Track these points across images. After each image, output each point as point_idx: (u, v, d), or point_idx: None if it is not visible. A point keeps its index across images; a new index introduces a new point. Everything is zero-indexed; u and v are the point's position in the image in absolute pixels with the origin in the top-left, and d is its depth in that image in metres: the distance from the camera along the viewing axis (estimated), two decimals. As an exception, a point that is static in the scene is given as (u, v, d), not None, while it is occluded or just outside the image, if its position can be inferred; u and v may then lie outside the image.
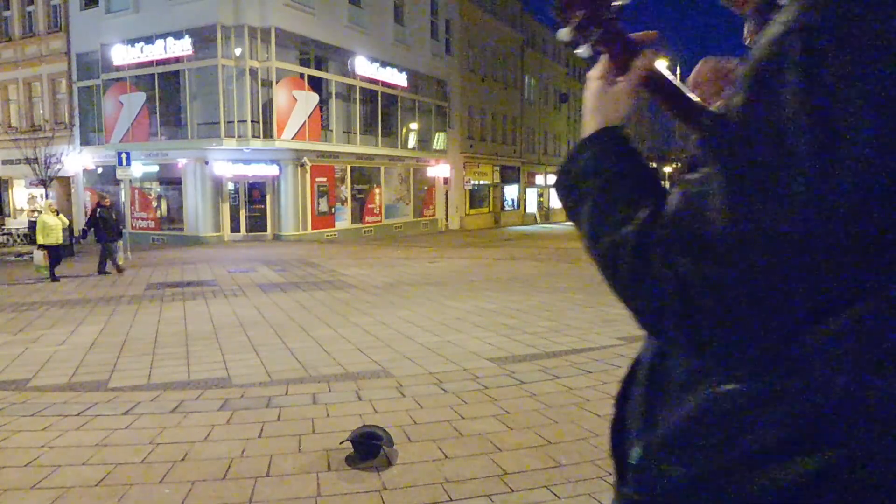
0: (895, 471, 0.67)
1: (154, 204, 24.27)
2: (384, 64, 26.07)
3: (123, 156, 17.57)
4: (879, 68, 0.63)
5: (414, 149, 29.32)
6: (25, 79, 27.08)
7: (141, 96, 22.93)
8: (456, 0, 31.78)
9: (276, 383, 5.32)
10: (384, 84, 26.44)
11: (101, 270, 13.75)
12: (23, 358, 6.39)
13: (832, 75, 0.64)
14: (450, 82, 31.44)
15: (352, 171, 25.35)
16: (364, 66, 24.98)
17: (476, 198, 35.50)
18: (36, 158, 24.27)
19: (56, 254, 13.03)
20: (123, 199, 22.56)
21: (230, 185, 22.47)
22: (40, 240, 12.98)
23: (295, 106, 22.24)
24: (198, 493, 3.30)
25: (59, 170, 25.07)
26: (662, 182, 0.86)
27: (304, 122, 22.52)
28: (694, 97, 0.95)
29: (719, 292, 0.69)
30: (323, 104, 23.82)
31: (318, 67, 23.66)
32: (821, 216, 0.65)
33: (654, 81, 0.90)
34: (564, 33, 0.88)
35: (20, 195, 29.35)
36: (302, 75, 22.63)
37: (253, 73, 21.25)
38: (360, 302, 9.58)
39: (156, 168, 23.23)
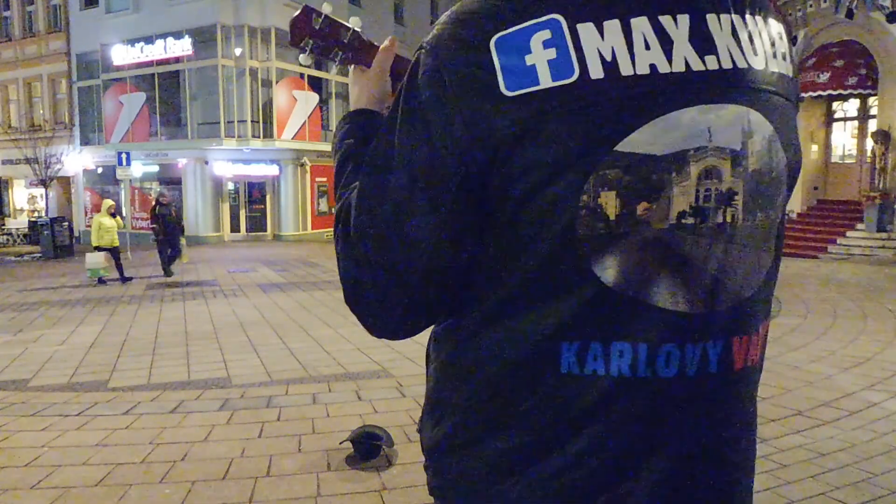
0: (569, 464, 0.73)
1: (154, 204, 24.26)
2: (384, 64, 26.08)
3: (123, 156, 17.57)
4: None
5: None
6: (25, 79, 27.08)
7: (141, 96, 22.93)
8: (456, 0, 31.77)
9: (276, 383, 5.32)
10: (384, 84, 26.44)
11: (167, 272, 13.04)
12: (23, 358, 6.38)
13: (422, 94, 0.73)
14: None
15: (352, 171, 25.34)
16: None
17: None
18: (36, 158, 24.28)
19: (116, 255, 12.52)
20: (123, 200, 22.58)
21: (230, 185, 22.47)
22: (95, 241, 12.38)
23: (295, 106, 22.24)
24: (198, 493, 3.30)
25: (59, 170, 25.07)
26: None
27: (304, 122, 22.53)
28: None
29: (352, 279, 0.81)
30: (323, 104, 23.83)
31: (318, 67, 23.65)
32: (415, 221, 0.73)
33: (401, 70, 1.02)
34: (303, 58, 1.05)
35: (20, 195, 29.35)
36: (302, 75, 22.63)
37: (253, 73, 21.26)
38: (360, 302, 9.57)
39: (156, 168, 23.23)
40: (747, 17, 0.76)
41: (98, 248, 12.31)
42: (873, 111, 16.46)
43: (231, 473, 3.54)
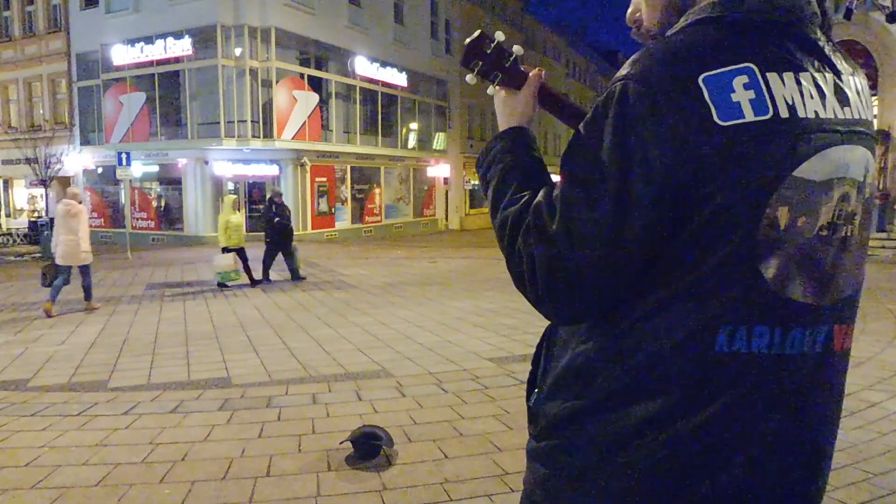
0: (709, 419, 0.89)
1: (154, 204, 24.26)
2: (384, 64, 26.06)
3: (123, 156, 17.57)
4: (671, 121, 0.85)
5: (414, 149, 29.31)
6: (25, 79, 27.07)
7: (141, 96, 22.91)
8: (456, 0, 31.77)
9: (276, 383, 5.32)
10: (384, 84, 26.43)
11: (296, 277, 12.02)
12: (23, 358, 6.38)
13: (636, 118, 0.87)
14: (450, 82, 31.43)
15: (352, 171, 25.34)
16: (364, 66, 24.97)
17: (476, 198, 35.46)
18: (36, 158, 24.27)
19: (244, 256, 11.32)
20: (123, 200, 22.58)
21: (230, 185, 22.46)
22: (223, 242, 11.21)
23: (295, 106, 22.23)
24: (198, 493, 3.30)
25: (59, 170, 25.06)
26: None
27: (304, 122, 22.51)
28: (579, 106, 1.21)
29: (553, 272, 0.92)
30: (323, 104, 23.81)
31: (318, 67, 23.65)
32: (620, 227, 0.87)
33: (544, 95, 1.19)
34: (470, 78, 1.18)
35: (20, 195, 29.35)
36: (302, 75, 22.62)
37: (253, 73, 21.24)
38: (360, 302, 9.58)
39: (156, 168, 23.23)
40: (856, 77, 0.99)
41: (225, 250, 11.16)
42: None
43: (231, 473, 3.54)
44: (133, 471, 3.58)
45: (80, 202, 9.29)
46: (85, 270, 9.03)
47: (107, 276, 13.29)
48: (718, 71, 0.86)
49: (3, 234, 24.89)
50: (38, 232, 19.09)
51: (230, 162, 21.84)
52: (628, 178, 0.87)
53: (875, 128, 1.03)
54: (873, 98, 16.29)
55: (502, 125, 1.16)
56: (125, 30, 22.69)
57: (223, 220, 11.34)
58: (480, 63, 1.15)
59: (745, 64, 0.87)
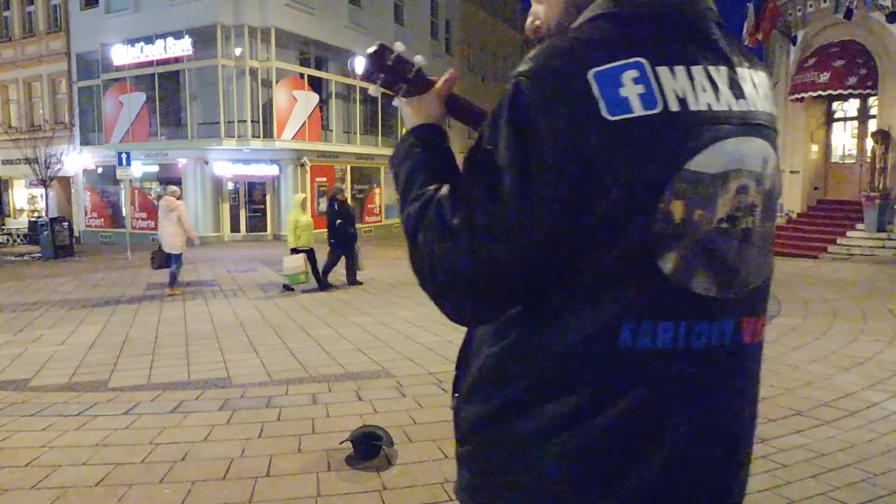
0: (620, 416, 0.89)
1: (154, 204, 24.25)
2: (384, 64, 26.04)
3: (123, 156, 17.55)
4: (564, 124, 0.85)
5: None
6: (25, 79, 27.06)
7: (141, 96, 22.91)
8: (456, 0, 31.76)
9: (276, 383, 5.32)
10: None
11: (352, 280, 11.32)
12: (23, 358, 6.38)
13: (528, 114, 0.86)
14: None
15: (352, 171, 25.33)
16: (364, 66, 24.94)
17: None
18: (36, 158, 24.25)
19: (313, 258, 10.72)
20: (123, 200, 22.58)
21: (230, 185, 22.46)
22: (292, 242, 10.62)
23: (295, 106, 22.22)
24: (198, 493, 3.30)
25: (59, 170, 25.05)
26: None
27: (304, 122, 22.51)
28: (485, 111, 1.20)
29: (452, 268, 0.91)
30: (323, 104, 23.80)
31: (318, 67, 23.64)
32: (519, 222, 0.86)
33: (452, 102, 1.18)
34: (373, 90, 1.17)
35: (20, 195, 29.34)
36: (302, 75, 22.62)
37: (253, 73, 21.24)
38: (360, 302, 9.58)
39: (156, 168, 23.22)
40: (755, 71, 0.99)
41: (294, 251, 10.58)
42: (873, 111, 16.45)
43: (231, 473, 3.54)
44: (133, 471, 3.58)
45: (179, 198, 10.74)
46: (177, 259, 10.28)
47: (107, 276, 13.30)
48: (608, 66, 0.86)
49: (4, 234, 24.90)
50: (39, 232, 19.05)
51: (230, 162, 21.84)
52: (525, 174, 0.86)
53: (776, 121, 1.03)
54: (873, 98, 16.18)
55: (409, 125, 1.16)
56: (125, 30, 22.68)
57: (292, 220, 10.83)
58: (382, 75, 1.15)
59: (636, 58, 0.87)
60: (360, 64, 1.17)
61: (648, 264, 0.87)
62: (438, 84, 1.17)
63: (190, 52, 21.42)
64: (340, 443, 3.81)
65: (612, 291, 0.88)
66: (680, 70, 0.89)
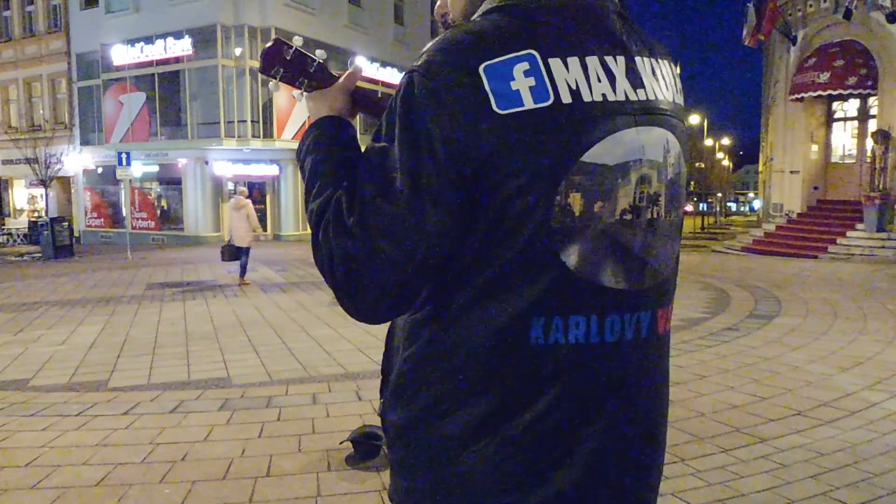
0: (538, 415, 0.88)
1: (154, 204, 24.25)
2: (384, 64, 26.05)
3: (123, 156, 17.57)
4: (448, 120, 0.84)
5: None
6: (25, 79, 27.09)
7: (141, 96, 22.93)
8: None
9: (276, 383, 5.32)
10: (384, 84, 26.41)
11: None
12: (23, 358, 6.38)
13: (420, 109, 0.85)
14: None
15: (352, 171, 25.34)
16: (364, 66, 24.92)
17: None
18: (36, 158, 24.27)
19: None
20: (123, 200, 22.58)
21: (230, 185, 22.47)
22: None
23: (295, 106, 22.23)
24: (198, 493, 3.30)
25: (59, 170, 25.07)
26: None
27: (305, 122, 22.49)
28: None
29: (351, 266, 0.89)
30: (323, 104, 23.81)
31: (318, 67, 23.64)
32: (415, 219, 0.85)
33: (358, 95, 1.18)
34: (273, 85, 1.16)
35: (20, 195, 29.35)
36: (302, 75, 22.62)
37: (253, 73, 21.25)
38: (360, 302, 9.56)
39: (156, 168, 23.24)
40: (657, 60, 0.99)
41: None
42: (873, 111, 16.46)
43: (231, 473, 3.53)
44: (133, 471, 3.58)
45: (247, 197, 12.06)
46: (245, 252, 11.44)
47: (107, 276, 13.30)
48: (499, 59, 0.85)
49: (4, 234, 24.90)
50: (38, 232, 19.06)
51: (230, 162, 21.86)
52: (419, 170, 0.85)
53: (683, 109, 1.03)
54: (873, 98, 16.19)
55: (313, 117, 1.13)
56: (125, 30, 22.70)
57: None
58: (282, 70, 1.13)
59: (528, 51, 0.86)
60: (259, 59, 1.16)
61: (552, 258, 0.86)
62: (342, 79, 1.15)
63: (190, 52, 21.45)
64: (340, 443, 3.81)
65: (519, 287, 0.87)
66: (573, 61, 0.88)
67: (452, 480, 0.92)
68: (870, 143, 15.98)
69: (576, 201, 0.86)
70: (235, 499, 3.23)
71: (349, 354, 6.29)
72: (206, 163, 21.84)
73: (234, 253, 11.42)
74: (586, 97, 0.87)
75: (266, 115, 21.67)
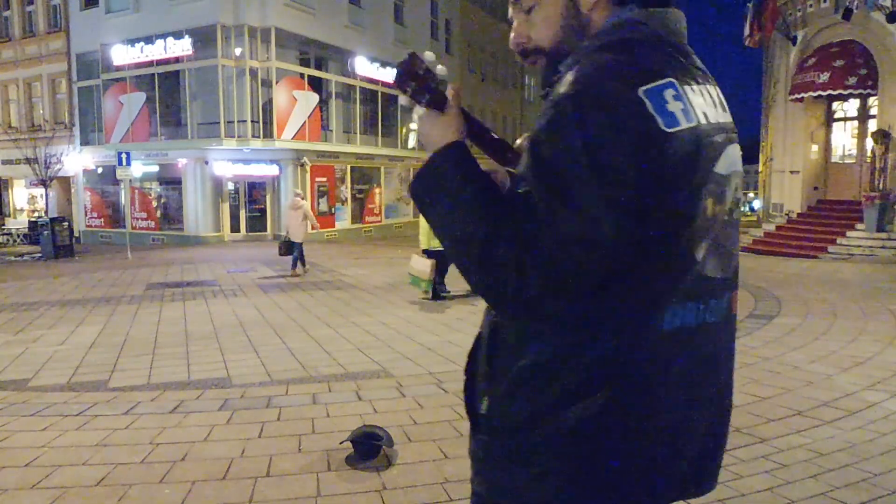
0: (654, 409, 1.03)
1: (154, 204, 24.25)
2: (384, 64, 26.02)
3: (123, 156, 17.56)
4: (622, 133, 0.95)
5: (414, 149, 29.24)
6: (25, 79, 27.07)
7: (141, 96, 22.92)
8: (456, 0, 31.75)
9: (276, 383, 5.32)
10: (384, 84, 26.41)
11: (443, 287, 9.83)
12: (23, 358, 6.38)
13: (599, 133, 0.95)
14: (449, 82, 31.37)
15: (352, 171, 25.34)
16: (364, 66, 24.96)
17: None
18: (36, 158, 24.26)
19: (444, 262, 9.28)
20: (123, 200, 22.57)
21: (230, 185, 22.47)
22: (424, 243, 9.40)
23: (295, 106, 22.23)
24: (198, 493, 3.30)
25: (59, 170, 25.06)
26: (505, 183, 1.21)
27: (304, 122, 22.51)
28: (492, 132, 1.26)
29: (541, 276, 0.95)
30: (323, 104, 23.81)
31: (318, 67, 23.65)
32: (607, 233, 0.93)
33: (467, 117, 1.18)
34: (404, 99, 1.16)
35: (20, 195, 29.35)
36: (302, 75, 22.62)
37: (253, 73, 21.24)
38: (360, 302, 9.57)
39: (156, 168, 23.22)
40: (714, 85, 1.13)
41: (427, 253, 9.37)
42: (873, 111, 16.44)
43: (231, 473, 3.54)
44: (133, 471, 3.58)
45: (302, 198, 13.41)
46: (298, 246, 12.74)
47: (107, 276, 13.30)
48: (652, 85, 0.98)
49: (4, 234, 24.90)
50: (39, 232, 19.05)
51: (230, 162, 21.85)
52: (607, 189, 0.93)
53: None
54: (873, 98, 16.15)
55: (440, 143, 1.13)
56: (125, 30, 22.69)
57: (425, 222, 9.28)
58: (413, 84, 1.13)
59: (668, 79, 1.00)
60: (393, 71, 1.16)
61: (690, 255, 1.03)
62: (451, 99, 1.16)
63: (190, 52, 21.43)
64: (340, 443, 3.81)
65: (660, 282, 1.01)
66: (694, 88, 1.04)
67: (595, 461, 1.03)
68: (870, 143, 15.96)
69: (710, 205, 1.03)
70: (235, 499, 3.23)
71: (349, 354, 6.29)
72: (206, 163, 21.83)
73: (289, 247, 12.81)
74: (711, 119, 1.04)
75: (266, 116, 21.65)
